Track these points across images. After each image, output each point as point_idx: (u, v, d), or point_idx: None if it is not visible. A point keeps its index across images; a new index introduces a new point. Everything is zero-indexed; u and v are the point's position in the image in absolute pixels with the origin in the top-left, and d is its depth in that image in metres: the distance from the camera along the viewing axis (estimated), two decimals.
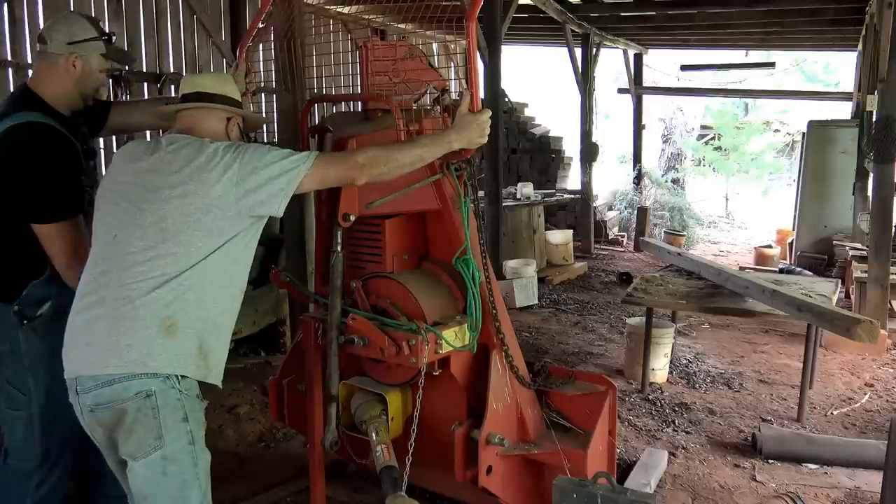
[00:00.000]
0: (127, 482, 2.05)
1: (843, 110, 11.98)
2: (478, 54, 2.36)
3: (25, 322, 2.39)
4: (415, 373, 2.32)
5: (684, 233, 11.36)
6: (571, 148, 11.94)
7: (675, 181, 14.06)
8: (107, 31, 2.56)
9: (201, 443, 2.04)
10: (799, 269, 8.02)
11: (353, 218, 2.31)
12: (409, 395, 2.46)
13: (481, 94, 2.36)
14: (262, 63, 2.83)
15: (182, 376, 1.99)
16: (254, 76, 2.73)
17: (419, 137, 2.30)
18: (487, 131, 2.31)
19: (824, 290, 4.60)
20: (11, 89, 5.87)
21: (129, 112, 2.82)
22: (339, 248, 2.39)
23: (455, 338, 2.38)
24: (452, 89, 2.50)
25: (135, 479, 2.00)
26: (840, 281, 5.39)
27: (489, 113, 2.31)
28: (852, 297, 6.38)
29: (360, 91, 2.64)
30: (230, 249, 2.04)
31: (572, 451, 2.52)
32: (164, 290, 1.95)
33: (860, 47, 9.87)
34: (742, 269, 7.42)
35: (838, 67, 19.05)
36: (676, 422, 4.22)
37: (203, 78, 2.27)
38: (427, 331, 2.27)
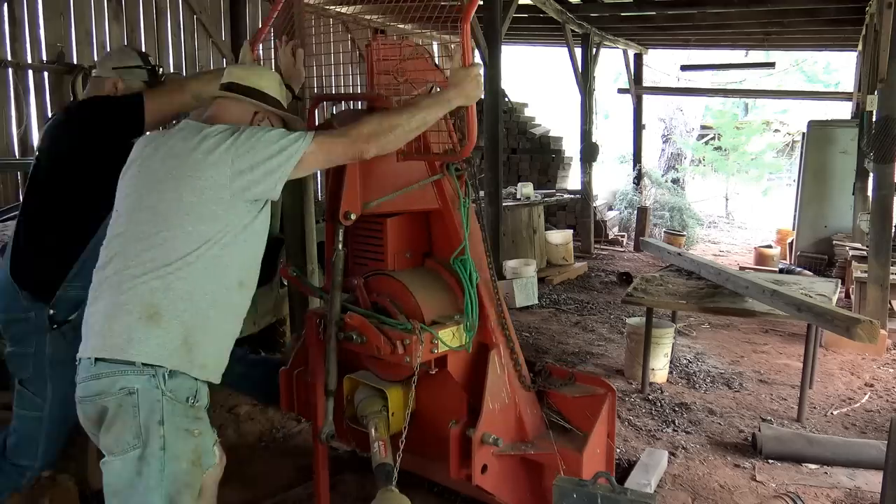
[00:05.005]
0: None
1: (843, 110, 12.00)
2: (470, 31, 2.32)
3: (55, 327, 2.44)
4: (412, 371, 2.32)
5: (684, 233, 11.36)
6: (571, 148, 11.94)
7: (674, 181, 14.06)
8: (152, 63, 2.81)
9: (173, 451, 1.94)
10: (799, 269, 8.03)
11: (353, 216, 2.33)
12: (410, 391, 2.46)
13: (475, 58, 2.36)
14: (262, 63, 2.85)
15: (169, 375, 1.93)
16: None
17: (419, 99, 2.25)
18: (482, 84, 2.29)
19: (824, 290, 4.59)
20: (11, 89, 5.89)
21: (166, 96, 2.78)
22: (339, 246, 2.39)
23: (452, 337, 2.37)
24: None
25: (109, 475, 1.95)
26: (840, 281, 5.38)
27: (480, 66, 2.33)
28: (852, 297, 6.39)
29: (360, 90, 2.66)
30: (226, 239, 2.00)
31: (568, 453, 2.50)
32: (150, 277, 1.94)
33: (860, 47, 9.87)
34: (742, 269, 7.43)
35: (838, 67, 19.09)
36: (676, 422, 4.22)
37: (241, 70, 2.29)
38: (422, 330, 2.27)
